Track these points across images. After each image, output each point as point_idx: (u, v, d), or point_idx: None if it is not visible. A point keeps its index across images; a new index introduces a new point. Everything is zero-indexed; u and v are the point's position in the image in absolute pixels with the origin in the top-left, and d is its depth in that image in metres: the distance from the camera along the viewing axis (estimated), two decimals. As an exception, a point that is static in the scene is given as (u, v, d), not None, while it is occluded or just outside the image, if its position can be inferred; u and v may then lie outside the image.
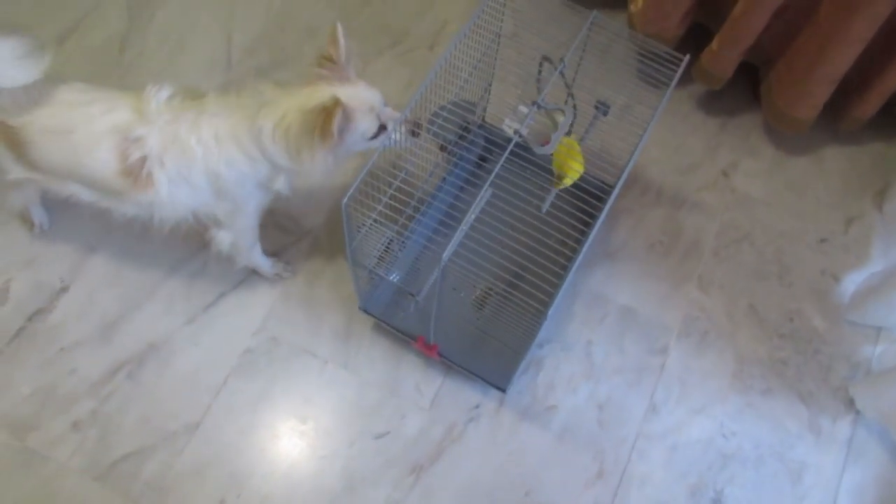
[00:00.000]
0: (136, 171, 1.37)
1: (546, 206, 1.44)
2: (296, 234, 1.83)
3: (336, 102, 1.26)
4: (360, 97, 1.35)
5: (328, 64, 1.34)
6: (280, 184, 1.43)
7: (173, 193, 1.40)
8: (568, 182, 1.48)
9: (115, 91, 1.42)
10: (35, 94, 1.37)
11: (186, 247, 1.79)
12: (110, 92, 1.41)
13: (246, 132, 1.35)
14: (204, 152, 1.36)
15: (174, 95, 1.38)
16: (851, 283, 1.84)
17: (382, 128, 1.39)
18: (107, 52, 2.05)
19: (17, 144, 1.39)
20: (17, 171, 1.47)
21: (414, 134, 1.41)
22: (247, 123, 1.34)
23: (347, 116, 1.30)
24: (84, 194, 1.49)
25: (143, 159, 1.36)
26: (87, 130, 1.37)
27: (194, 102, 1.38)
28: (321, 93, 1.32)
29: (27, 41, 1.32)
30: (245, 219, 1.54)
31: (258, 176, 1.41)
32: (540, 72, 1.38)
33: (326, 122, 1.26)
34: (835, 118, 1.95)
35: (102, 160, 1.37)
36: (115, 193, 1.43)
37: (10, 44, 1.31)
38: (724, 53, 1.84)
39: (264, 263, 1.73)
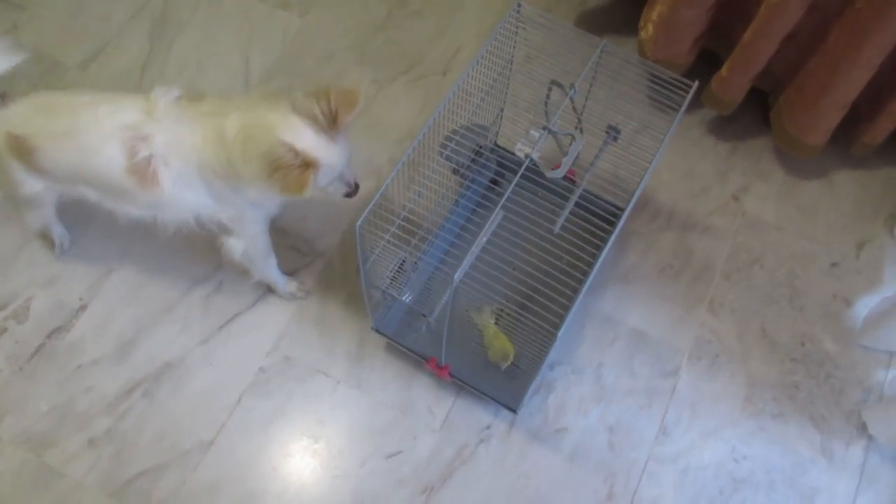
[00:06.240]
0: (142, 169, 1.37)
1: (558, 227, 1.45)
2: (309, 255, 1.86)
3: (313, 166, 1.25)
4: (334, 155, 1.31)
5: (328, 117, 1.27)
6: (254, 194, 1.39)
7: (177, 193, 1.41)
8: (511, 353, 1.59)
9: (120, 93, 1.44)
10: None
11: (202, 267, 1.82)
12: (115, 94, 1.43)
13: (218, 132, 1.32)
14: (199, 156, 1.36)
15: (182, 97, 1.40)
16: (863, 307, 1.84)
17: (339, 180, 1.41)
18: (128, 76, 2.10)
19: (25, 153, 1.42)
20: (29, 183, 1.49)
21: (348, 195, 1.44)
22: (219, 125, 1.32)
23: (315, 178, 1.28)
24: (92, 195, 1.50)
25: (150, 157, 1.36)
26: (95, 130, 1.39)
27: (197, 104, 1.39)
28: (304, 135, 1.26)
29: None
30: (251, 226, 1.53)
31: (232, 181, 1.38)
32: (548, 96, 1.41)
33: (296, 179, 1.24)
34: (845, 143, 1.96)
35: (110, 158, 1.37)
36: (121, 192, 1.43)
37: None
38: (734, 79, 1.86)
39: (279, 279, 1.75)
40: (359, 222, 1.29)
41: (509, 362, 1.58)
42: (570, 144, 1.42)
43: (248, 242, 1.58)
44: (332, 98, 1.26)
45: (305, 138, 1.26)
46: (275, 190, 1.27)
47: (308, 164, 1.26)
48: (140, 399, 1.69)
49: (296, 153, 1.25)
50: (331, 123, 1.27)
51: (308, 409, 1.69)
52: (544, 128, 1.37)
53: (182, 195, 1.42)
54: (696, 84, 1.43)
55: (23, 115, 1.42)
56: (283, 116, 1.27)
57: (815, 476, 1.66)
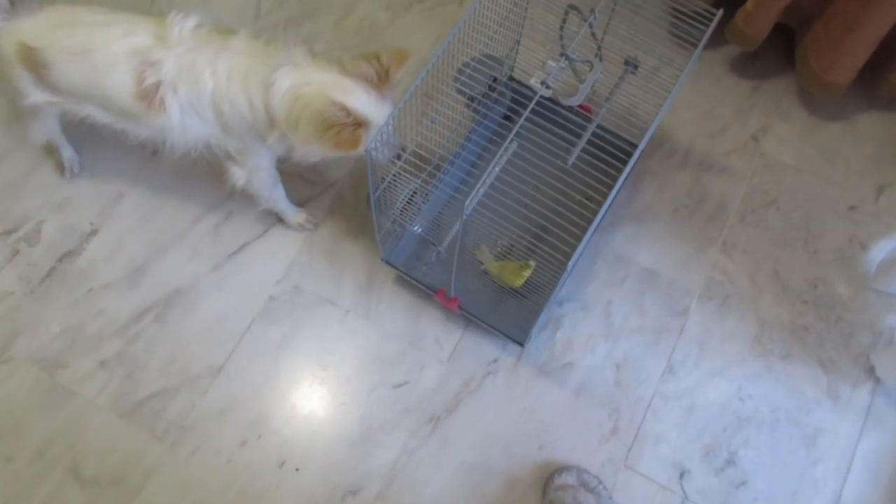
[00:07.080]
0: (150, 96, 1.37)
1: (571, 161, 1.43)
2: (321, 185, 1.84)
3: (364, 125, 1.30)
4: (384, 114, 1.34)
5: (379, 74, 1.32)
6: (273, 140, 1.40)
7: (184, 122, 1.41)
8: (526, 273, 1.57)
9: (136, 14, 1.42)
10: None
11: (213, 195, 1.81)
12: (132, 15, 1.42)
13: (258, 77, 1.33)
14: (214, 86, 1.36)
15: (201, 25, 1.38)
16: (879, 251, 1.82)
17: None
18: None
19: (36, 66, 1.41)
20: (35, 95, 1.48)
21: (394, 159, 1.43)
22: (264, 70, 1.33)
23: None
24: (100, 116, 1.50)
25: (158, 84, 1.36)
26: (107, 51, 1.38)
27: (221, 37, 1.38)
28: (355, 94, 1.30)
29: None
30: (255, 159, 1.53)
31: (254, 124, 1.39)
32: (564, 20, 1.36)
33: (349, 136, 1.29)
34: (871, 84, 1.90)
35: (119, 82, 1.38)
36: (129, 116, 1.44)
37: None
38: (760, 14, 1.79)
39: (287, 209, 1.74)
40: (370, 146, 1.27)
41: (527, 276, 1.56)
42: (589, 73, 1.38)
43: (252, 174, 1.58)
44: (383, 56, 1.32)
45: (357, 98, 1.30)
46: (327, 147, 1.31)
47: (360, 124, 1.30)
48: (150, 323, 1.70)
49: (347, 112, 1.29)
50: (382, 79, 1.31)
51: (317, 337, 1.70)
52: (562, 54, 1.33)
53: (189, 123, 1.42)
54: (720, 12, 1.38)
55: (39, 28, 1.40)
56: (334, 77, 1.31)
57: (820, 416, 1.67)
